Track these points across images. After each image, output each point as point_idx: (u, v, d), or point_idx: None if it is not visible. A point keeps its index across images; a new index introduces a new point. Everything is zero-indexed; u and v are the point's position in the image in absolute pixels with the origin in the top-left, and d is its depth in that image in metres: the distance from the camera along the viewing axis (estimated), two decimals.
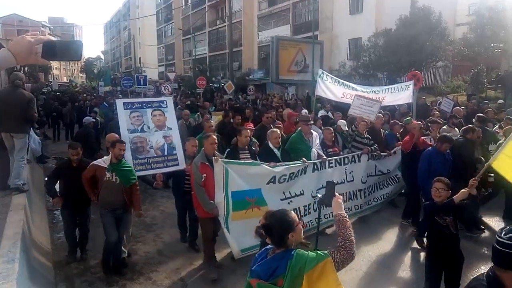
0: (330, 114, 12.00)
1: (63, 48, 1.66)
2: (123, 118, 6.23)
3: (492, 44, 18.95)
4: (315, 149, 6.80)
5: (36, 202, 7.74)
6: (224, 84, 26.28)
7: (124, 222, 5.40)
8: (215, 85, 32.06)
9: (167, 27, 60.10)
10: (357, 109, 8.81)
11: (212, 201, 5.22)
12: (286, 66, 25.98)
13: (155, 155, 6.16)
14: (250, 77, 34.18)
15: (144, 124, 6.32)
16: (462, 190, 4.29)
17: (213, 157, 5.23)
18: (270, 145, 6.34)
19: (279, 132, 6.51)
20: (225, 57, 39.32)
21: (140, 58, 66.16)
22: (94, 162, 5.29)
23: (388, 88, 10.98)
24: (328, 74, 11.29)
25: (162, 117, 6.51)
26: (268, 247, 2.55)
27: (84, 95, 26.49)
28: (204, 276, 5.37)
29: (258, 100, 20.46)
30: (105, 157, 5.41)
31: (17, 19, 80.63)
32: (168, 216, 7.47)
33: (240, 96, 23.67)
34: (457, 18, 26.23)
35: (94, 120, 12.05)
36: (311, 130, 7.14)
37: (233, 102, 19.24)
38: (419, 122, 7.78)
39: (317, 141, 6.98)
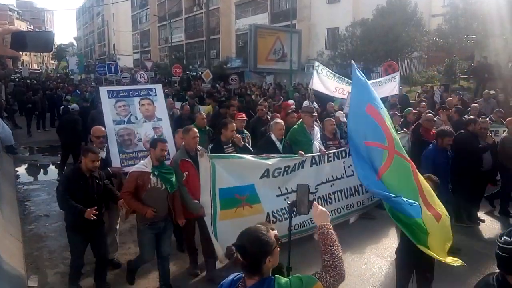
0: (315, 105, 11.93)
1: (33, 39, 1.61)
2: (108, 108, 5.73)
3: (465, 36, 19.31)
4: (317, 143, 6.48)
5: (6, 193, 7.50)
6: (202, 72, 25.90)
7: (168, 234, 4.71)
8: (193, 73, 31.62)
9: (142, 13, 58.60)
10: None
11: (197, 201, 4.85)
12: (264, 55, 25.93)
13: (144, 149, 5.61)
14: (228, 65, 33.88)
15: (131, 115, 5.84)
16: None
17: (198, 152, 4.88)
18: (273, 136, 6.06)
19: (283, 123, 6.22)
20: (202, 45, 38.75)
21: (114, 44, 64.46)
22: (134, 169, 4.51)
23: (378, 82, 11.16)
24: (324, 67, 11.28)
25: (151, 107, 6.02)
26: (235, 277, 2.03)
27: (55, 83, 25.71)
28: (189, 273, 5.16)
29: (234, 90, 20.26)
30: (142, 160, 4.76)
31: None
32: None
33: (217, 85, 23.38)
34: (432, 9, 26.58)
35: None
36: (314, 125, 6.82)
37: (215, 91, 18.99)
38: (430, 114, 7.65)
39: (318, 135, 6.67)
